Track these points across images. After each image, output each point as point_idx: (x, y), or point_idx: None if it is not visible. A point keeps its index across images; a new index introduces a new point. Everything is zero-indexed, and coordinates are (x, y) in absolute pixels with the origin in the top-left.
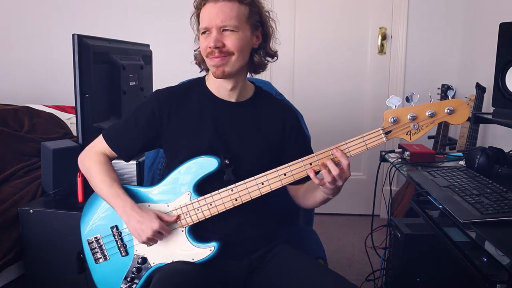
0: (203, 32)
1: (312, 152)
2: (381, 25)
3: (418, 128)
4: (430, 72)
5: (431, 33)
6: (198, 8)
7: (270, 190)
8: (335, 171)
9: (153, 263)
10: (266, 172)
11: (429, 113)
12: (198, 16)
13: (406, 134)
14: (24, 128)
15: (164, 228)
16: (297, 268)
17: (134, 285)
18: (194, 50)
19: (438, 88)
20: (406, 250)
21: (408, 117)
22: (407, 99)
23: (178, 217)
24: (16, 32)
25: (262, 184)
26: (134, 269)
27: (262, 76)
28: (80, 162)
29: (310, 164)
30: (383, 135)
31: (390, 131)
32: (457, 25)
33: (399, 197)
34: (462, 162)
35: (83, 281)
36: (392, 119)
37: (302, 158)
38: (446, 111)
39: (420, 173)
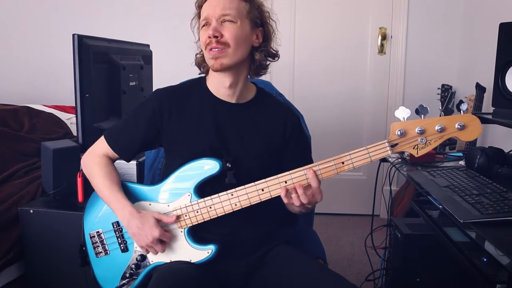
0: (204, 25)
1: (310, 158)
2: (381, 25)
3: (425, 143)
4: (430, 72)
5: (431, 33)
6: (200, 6)
7: (270, 197)
8: (304, 199)
9: (152, 261)
10: (267, 179)
11: (439, 127)
12: (199, 16)
13: (413, 148)
14: (24, 128)
15: (165, 235)
16: (297, 268)
17: (133, 282)
18: (196, 54)
19: (438, 88)
20: (406, 250)
21: (416, 130)
22: (417, 111)
23: (178, 217)
24: (16, 32)
25: (262, 190)
26: (133, 265)
27: (262, 76)
28: (83, 164)
29: None
30: (388, 148)
31: (396, 144)
32: (457, 25)
33: (399, 197)
34: (462, 162)
35: (82, 280)
36: (399, 131)
37: (304, 167)
38: (456, 126)
39: (420, 173)
